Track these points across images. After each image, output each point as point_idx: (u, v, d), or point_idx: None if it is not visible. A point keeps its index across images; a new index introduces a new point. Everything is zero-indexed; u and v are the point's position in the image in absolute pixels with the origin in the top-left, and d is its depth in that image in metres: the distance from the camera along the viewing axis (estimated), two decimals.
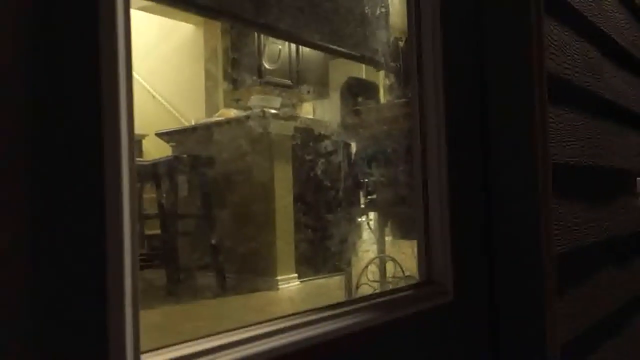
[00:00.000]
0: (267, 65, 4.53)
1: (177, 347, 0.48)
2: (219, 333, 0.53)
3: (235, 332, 0.55)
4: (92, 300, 0.41)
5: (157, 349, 0.47)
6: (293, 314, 0.62)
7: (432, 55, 0.86)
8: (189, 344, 0.49)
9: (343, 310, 0.68)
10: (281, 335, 0.58)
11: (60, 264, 0.39)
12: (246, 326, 0.56)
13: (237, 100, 4.67)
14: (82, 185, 0.41)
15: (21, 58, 0.38)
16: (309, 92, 4.78)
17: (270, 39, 4.45)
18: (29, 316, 0.38)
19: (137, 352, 0.43)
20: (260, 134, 3.34)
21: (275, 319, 0.60)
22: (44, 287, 0.39)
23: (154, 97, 5.13)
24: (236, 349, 0.53)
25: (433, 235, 0.85)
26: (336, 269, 3.12)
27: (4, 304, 0.37)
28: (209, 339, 0.51)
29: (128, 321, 0.42)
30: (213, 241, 3.09)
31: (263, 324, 0.58)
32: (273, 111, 3.54)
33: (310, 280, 3.36)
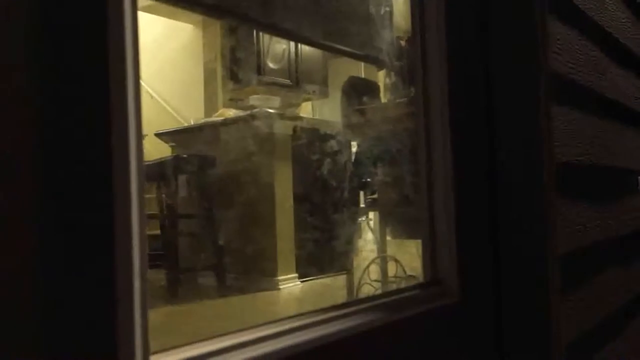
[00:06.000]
0: (271, 65, 4.51)
1: (185, 347, 0.48)
2: (227, 334, 0.53)
3: (243, 332, 0.54)
4: (101, 301, 0.41)
5: (166, 349, 0.47)
6: (299, 315, 0.62)
7: (436, 55, 0.85)
8: (198, 344, 0.49)
9: (349, 310, 0.67)
10: (288, 336, 0.57)
11: (69, 265, 0.39)
12: (253, 327, 0.56)
13: (237, 100, 4.66)
14: (90, 185, 0.41)
15: (29, 58, 0.38)
16: (313, 92, 4.77)
17: (275, 38, 4.43)
18: (38, 316, 0.38)
19: (147, 353, 0.43)
20: (261, 133, 3.33)
21: (282, 319, 0.60)
22: (53, 288, 0.38)
23: (152, 97, 5.12)
24: (244, 349, 0.52)
25: (438, 235, 0.84)
26: (337, 269, 3.12)
27: (11, 303, 0.37)
28: (217, 339, 0.51)
29: (137, 322, 0.42)
30: (220, 242, 3.09)
31: (269, 325, 0.58)
32: (272, 111, 3.53)
33: (310, 280, 3.36)
